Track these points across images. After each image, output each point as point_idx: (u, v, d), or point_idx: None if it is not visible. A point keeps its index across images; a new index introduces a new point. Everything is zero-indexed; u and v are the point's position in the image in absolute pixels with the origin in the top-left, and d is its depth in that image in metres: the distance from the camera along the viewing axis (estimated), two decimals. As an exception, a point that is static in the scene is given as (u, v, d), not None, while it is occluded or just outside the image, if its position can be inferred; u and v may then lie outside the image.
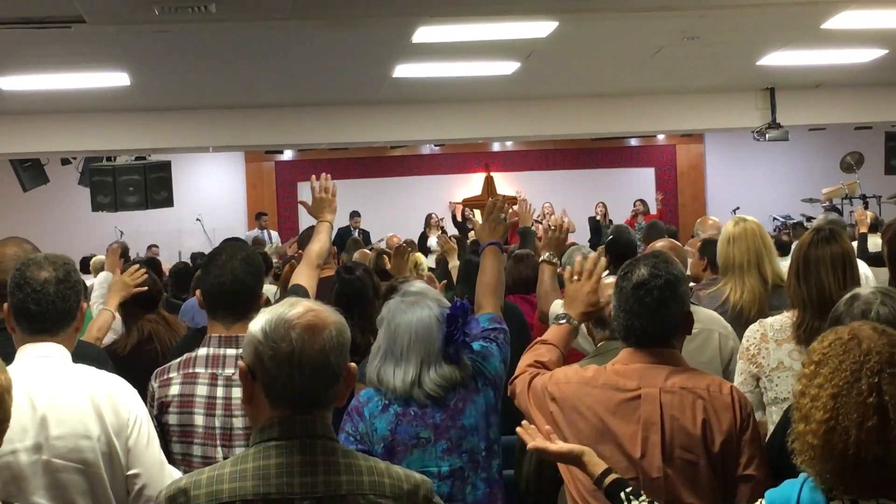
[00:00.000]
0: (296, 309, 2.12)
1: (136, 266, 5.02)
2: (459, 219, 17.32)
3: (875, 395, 1.92)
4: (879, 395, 1.92)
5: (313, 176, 4.57)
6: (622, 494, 2.55)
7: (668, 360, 2.89)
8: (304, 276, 3.97)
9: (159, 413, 3.22)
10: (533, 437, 2.73)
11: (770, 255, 4.85)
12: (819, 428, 1.95)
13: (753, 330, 3.77)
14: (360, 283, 4.68)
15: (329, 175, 4.55)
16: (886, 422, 1.91)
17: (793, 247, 4.01)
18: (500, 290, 3.69)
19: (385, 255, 7.30)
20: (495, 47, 9.11)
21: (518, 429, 2.81)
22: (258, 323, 2.12)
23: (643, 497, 2.54)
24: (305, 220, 17.39)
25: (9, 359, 2.81)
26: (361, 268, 4.81)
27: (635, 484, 2.63)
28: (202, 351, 3.29)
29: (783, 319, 3.74)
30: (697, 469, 2.78)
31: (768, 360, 3.69)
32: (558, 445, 2.70)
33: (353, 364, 2.17)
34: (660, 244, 4.46)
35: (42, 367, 2.78)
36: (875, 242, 8.13)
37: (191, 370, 3.26)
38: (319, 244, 4.19)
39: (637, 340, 2.90)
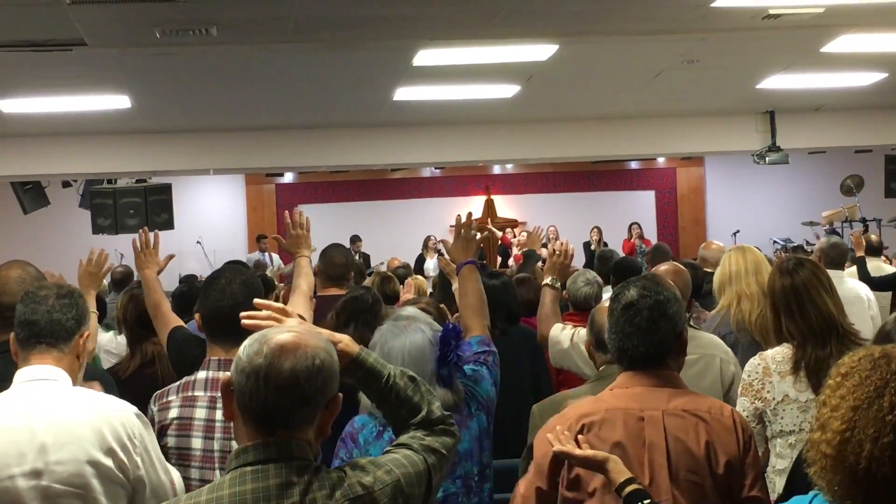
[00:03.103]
0: (279, 329, 2.16)
1: (100, 251, 4.89)
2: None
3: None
4: None
5: (286, 212, 4.62)
6: None
7: (667, 383, 2.90)
8: (301, 307, 4.02)
9: (158, 436, 3.22)
10: (564, 442, 2.73)
11: (768, 268, 4.85)
12: (834, 438, 1.93)
13: (754, 364, 3.73)
14: (369, 294, 4.70)
15: (301, 211, 4.59)
16: None
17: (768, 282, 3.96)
18: (484, 310, 3.66)
19: (390, 279, 7.25)
20: (496, 70, 9.14)
21: (548, 434, 2.80)
22: (244, 342, 2.16)
23: None
24: (306, 243, 17.38)
25: (8, 380, 2.80)
26: (372, 292, 4.83)
27: None
28: (201, 374, 3.31)
29: (784, 351, 3.70)
30: (703, 491, 2.78)
31: (773, 393, 3.65)
32: (583, 451, 2.71)
33: (339, 394, 2.16)
34: (663, 268, 4.43)
35: (42, 390, 2.77)
36: (877, 266, 8.10)
37: (190, 393, 3.28)
38: (308, 278, 4.28)
39: (631, 362, 2.90)
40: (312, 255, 4.48)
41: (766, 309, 3.90)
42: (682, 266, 4.51)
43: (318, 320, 4.81)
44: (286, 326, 2.21)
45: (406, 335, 3.23)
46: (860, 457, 1.89)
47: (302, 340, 2.12)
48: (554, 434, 2.78)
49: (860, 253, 7.82)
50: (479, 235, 3.92)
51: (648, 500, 2.58)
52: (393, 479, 2.17)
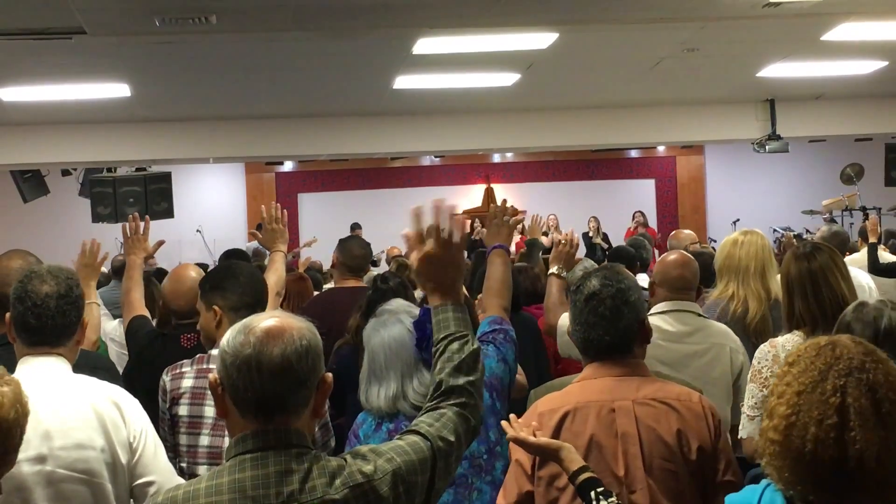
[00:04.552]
0: (260, 317, 2.15)
1: (92, 241, 4.93)
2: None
3: (839, 395, 1.91)
4: (843, 396, 1.90)
5: (263, 206, 4.62)
6: (592, 493, 2.56)
7: (635, 371, 2.92)
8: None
9: (170, 405, 3.38)
10: (517, 430, 2.73)
11: (773, 269, 4.81)
12: (780, 423, 1.94)
13: (765, 351, 3.69)
14: (392, 295, 4.66)
15: (279, 204, 4.59)
16: (846, 423, 1.89)
17: (782, 268, 3.91)
18: (504, 292, 3.68)
19: (406, 266, 7.20)
20: (496, 59, 9.13)
21: (503, 422, 2.81)
22: (227, 334, 2.14)
23: (612, 498, 2.55)
24: (306, 232, 17.40)
25: (9, 370, 2.81)
26: (397, 280, 4.78)
27: (619, 498, 2.64)
28: (215, 351, 3.39)
29: (794, 339, 3.66)
30: (677, 478, 2.80)
31: None
32: (537, 439, 2.70)
33: (328, 374, 2.17)
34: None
35: (44, 378, 2.78)
36: (880, 255, 8.09)
37: (204, 366, 3.42)
38: (277, 274, 4.37)
39: (597, 352, 2.92)
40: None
41: (782, 295, 3.86)
42: (690, 255, 4.49)
43: (336, 310, 4.82)
44: (263, 314, 2.20)
45: (386, 329, 3.30)
46: (805, 440, 1.90)
47: (285, 323, 2.12)
48: (508, 423, 2.77)
49: (873, 239, 7.81)
50: (511, 220, 3.95)
51: (601, 489, 2.57)
52: (393, 467, 2.16)
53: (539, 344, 5.30)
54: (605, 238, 16.60)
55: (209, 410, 3.29)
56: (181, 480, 2.83)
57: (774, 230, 15.78)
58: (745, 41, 9.00)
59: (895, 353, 2.68)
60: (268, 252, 4.72)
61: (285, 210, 4.62)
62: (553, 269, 4.55)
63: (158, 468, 2.83)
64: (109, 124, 11.83)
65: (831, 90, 12.07)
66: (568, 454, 2.65)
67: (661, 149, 18.93)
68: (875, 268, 7.40)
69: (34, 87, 9.61)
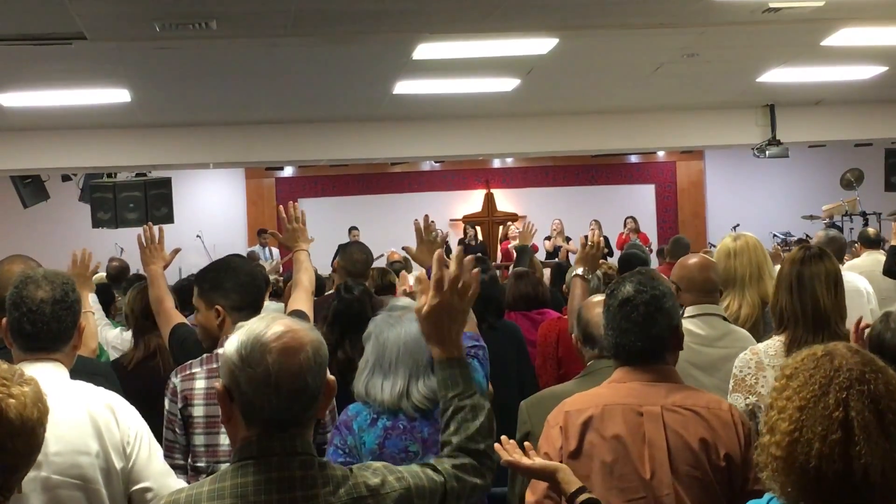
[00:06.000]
0: (272, 329, 2.09)
1: (83, 250, 4.91)
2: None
3: (842, 409, 1.88)
4: (846, 409, 1.88)
5: (280, 206, 4.58)
6: None
7: (665, 378, 2.90)
8: (303, 302, 4.06)
9: (183, 406, 3.35)
10: (510, 452, 2.70)
11: (770, 271, 4.84)
12: (783, 439, 1.92)
13: (746, 359, 3.71)
14: (358, 304, 4.67)
15: (297, 204, 4.55)
16: (850, 437, 1.87)
17: (780, 264, 4.01)
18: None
19: (387, 272, 7.23)
20: (496, 64, 9.13)
21: (496, 445, 2.79)
22: (233, 344, 2.10)
23: None
24: (306, 237, 17.37)
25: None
26: (360, 288, 4.79)
27: (645, 502, 2.62)
28: (221, 350, 3.34)
29: (775, 344, 3.69)
30: (703, 486, 2.79)
31: (767, 387, 3.57)
32: (532, 461, 2.68)
33: (332, 378, 2.17)
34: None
35: (41, 384, 2.77)
36: (876, 259, 8.08)
37: (214, 365, 3.37)
38: (308, 273, 4.30)
39: (628, 357, 2.91)
40: (310, 248, 4.45)
41: (773, 289, 3.90)
42: (711, 259, 4.49)
43: None
44: (269, 319, 2.15)
45: (401, 326, 3.26)
46: (810, 456, 1.88)
47: (297, 338, 2.10)
48: (501, 444, 2.73)
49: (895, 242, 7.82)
50: (440, 236, 3.95)
51: None
52: (403, 487, 2.17)
53: (522, 353, 5.33)
54: (606, 242, 16.55)
55: None
56: (176, 483, 2.83)
57: (774, 235, 15.78)
58: (745, 46, 9.00)
59: None
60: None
61: (304, 210, 4.57)
62: (578, 271, 4.54)
63: (153, 474, 2.81)
64: (109, 129, 11.84)
65: (831, 95, 12.07)
66: (564, 476, 2.63)
67: (660, 154, 18.93)
68: (892, 272, 7.39)
69: (34, 92, 9.61)
